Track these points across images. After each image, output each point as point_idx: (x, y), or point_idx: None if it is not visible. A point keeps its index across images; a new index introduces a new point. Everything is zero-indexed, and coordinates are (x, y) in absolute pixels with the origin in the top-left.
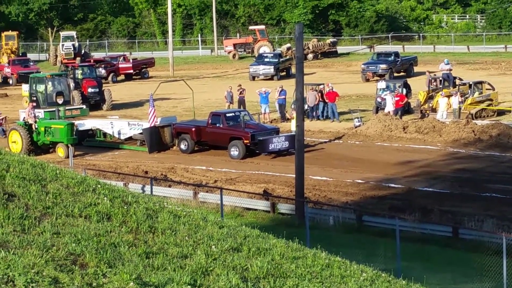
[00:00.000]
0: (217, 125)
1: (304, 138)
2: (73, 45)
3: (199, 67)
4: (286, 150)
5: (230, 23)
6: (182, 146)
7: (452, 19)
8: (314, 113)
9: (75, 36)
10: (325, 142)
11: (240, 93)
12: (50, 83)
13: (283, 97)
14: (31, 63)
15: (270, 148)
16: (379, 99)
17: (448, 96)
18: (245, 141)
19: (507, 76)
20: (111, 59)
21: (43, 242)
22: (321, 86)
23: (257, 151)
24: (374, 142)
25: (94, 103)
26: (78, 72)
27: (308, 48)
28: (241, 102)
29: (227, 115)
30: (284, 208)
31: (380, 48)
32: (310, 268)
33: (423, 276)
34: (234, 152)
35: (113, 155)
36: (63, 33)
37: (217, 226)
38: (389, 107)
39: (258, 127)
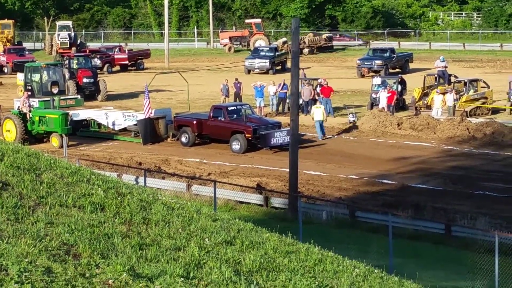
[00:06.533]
0: (219, 118)
1: (305, 133)
2: (69, 35)
3: (194, 60)
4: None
5: (226, 16)
6: (183, 139)
7: (448, 16)
8: (308, 107)
9: (71, 26)
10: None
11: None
12: (45, 72)
13: (285, 91)
14: (27, 52)
15: (272, 143)
16: (373, 95)
17: (443, 94)
18: (247, 135)
19: (502, 74)
20: (106, 49)
21: (36, 231)
22: (320, 81)
23: (259, 146)
24: (368, 138)
25: (89, 93)
26: (74, 62)
27: (304, 42)
28: (237, 95)
29: (229, 108)
30: (277, 202)
31: (376, 44)
32: (303, 262)
33: (416, 273)
34: (236, 146)
35: (107, 146)
36: (59, 23)
37: (211, 219)
38: (383, 103)
39: (260, 121)
